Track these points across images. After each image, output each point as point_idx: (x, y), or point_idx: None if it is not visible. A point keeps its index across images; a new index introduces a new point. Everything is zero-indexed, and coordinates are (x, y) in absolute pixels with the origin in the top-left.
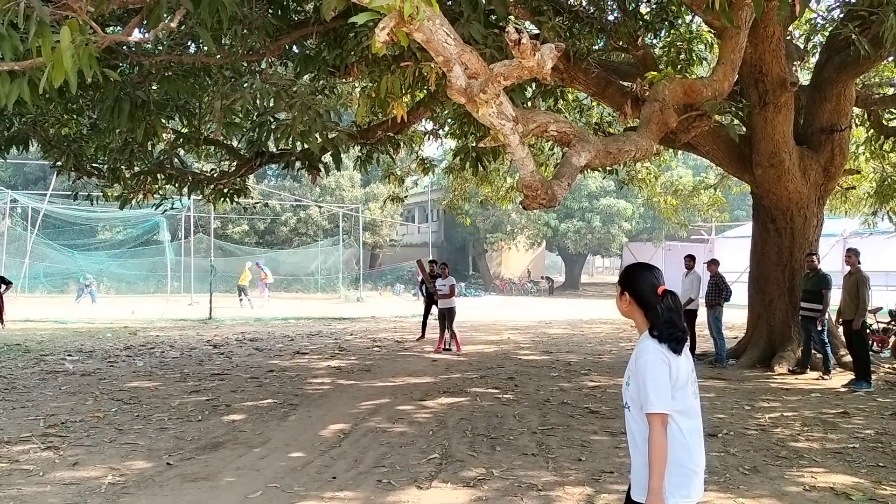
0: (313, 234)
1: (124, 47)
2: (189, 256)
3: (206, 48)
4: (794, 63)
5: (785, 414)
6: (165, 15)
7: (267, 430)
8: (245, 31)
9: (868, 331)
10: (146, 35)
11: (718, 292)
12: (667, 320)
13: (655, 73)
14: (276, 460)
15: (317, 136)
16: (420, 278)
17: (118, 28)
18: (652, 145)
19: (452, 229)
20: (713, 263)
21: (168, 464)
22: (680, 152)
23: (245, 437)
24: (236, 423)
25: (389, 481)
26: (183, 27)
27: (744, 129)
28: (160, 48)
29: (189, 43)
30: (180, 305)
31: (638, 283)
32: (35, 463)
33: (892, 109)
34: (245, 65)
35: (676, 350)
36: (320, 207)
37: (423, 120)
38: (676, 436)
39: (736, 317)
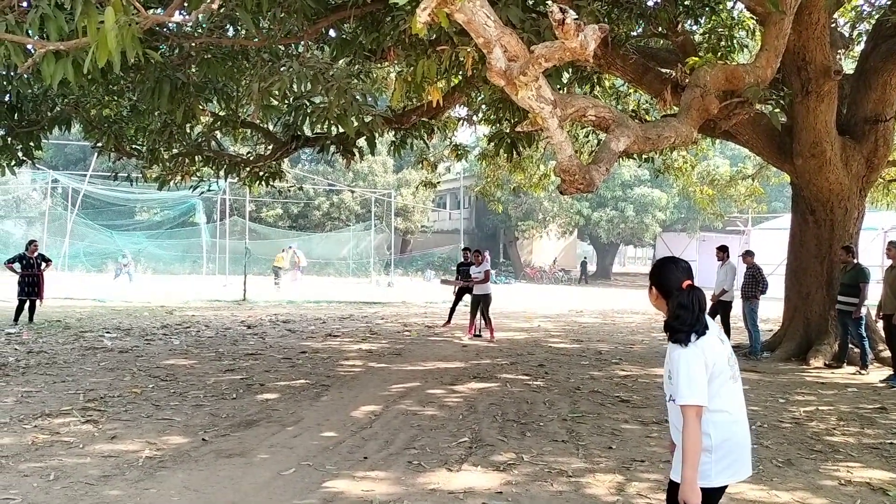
0: (346, 219)
1: (165, 29)
2: (224, 238)
3: (244, 31)
4: (839, 51)
5: (820, 408)
6: None
7: (300, 409)
8: (283, 14)
9: None
10: (188, 17)
11: (755, 284)
12: (674, 315)
13: (696, 58)
14: (308, 439)
15: (353, 119)
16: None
17: (159, 10)
18: (692, 132)
19: (484, 216)
20: (748, 255)
21: (203, 440)
22: (717, 141)
23: (278, 415)
24: (270, 402)
25: (420, 463)
26: (223, 9)
27: (785, 117)
28: (200, 30)
29: (227, 26)
30: (214, 286)
31: (664, 278)
32: (75, 435)
33: None
34: (282, 48)
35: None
36: (353, 192)
37: (458, 105)
38: (719, 421)
39: (771, 309)
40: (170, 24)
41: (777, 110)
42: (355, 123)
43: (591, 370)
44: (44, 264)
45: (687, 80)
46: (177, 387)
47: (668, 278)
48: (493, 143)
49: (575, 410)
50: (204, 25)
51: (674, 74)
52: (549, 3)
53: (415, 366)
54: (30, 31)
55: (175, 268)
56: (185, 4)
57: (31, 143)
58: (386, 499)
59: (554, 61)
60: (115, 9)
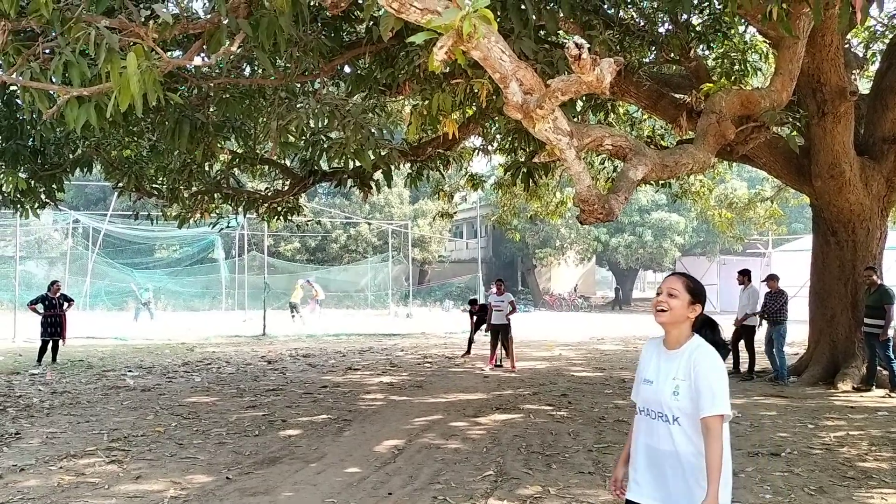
0: (363, 251)
1: (184, 70)
2: (243, 274)
3: (261, 70)
4: (853, 72)
5: (851, 433)
6: (226, 39)
7: (322, 445)
8: (300, 53)
9: None
10: (209, 59)
11: (782, 308)
12: (711, 324)
13: (711, 84)
14: (332, 475)
15: (370, 154)
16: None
17: (178, 53)
18: (709, 158)
19: (501, 245)
20: (772, 279)
21: (227, 478)
22: (735, 165)
23: (301, 452)
24: (292, 439)
25: (445, 498)
26: (240, 50)
27: (802, 140)
28: (217, 71)
29: (244, 66)
30: (234, 322)
31: (706, 299)
32: (100, 476)
33: None
34: (299, 85)
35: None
36: (370, 224)
37: (473, 136)
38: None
39: (796, 333)
40: (189, 66)
41: (794, 133)
42: (372, 157)
43: (615, 399)
44: (66, 304)
45: (702, 106)
46: (199, 425)
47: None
48: (509, 173)
49: (600, 441)
50: (221, 66)
51: (688, 100)
52: (565, 38)
53: (436, 398)
54: (53, 78)
55: (195, 304)
56: (205, 48)
57: (54, 186)
58: None
59: (570, 94)
60: (137, 54)
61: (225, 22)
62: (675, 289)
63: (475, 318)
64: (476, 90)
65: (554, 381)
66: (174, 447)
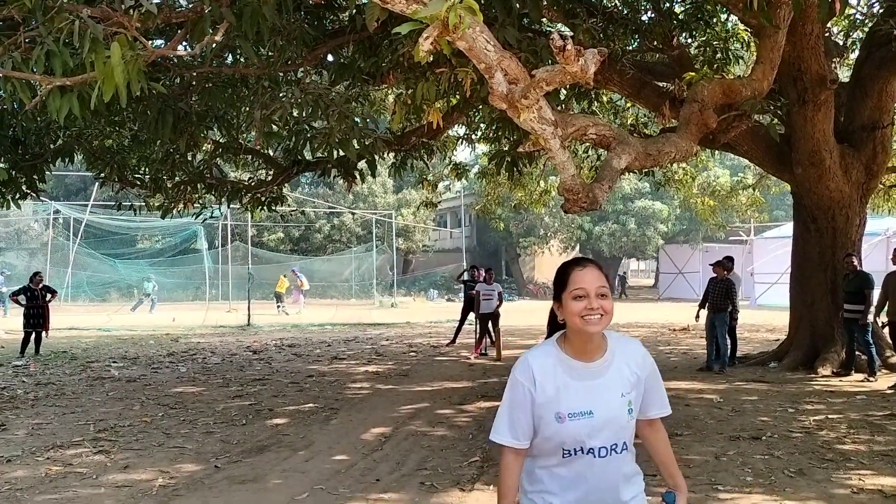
0: (347, 241)
1: (167, 60)
2: (226, 264)
3: (243, 59)
4: (833, 60)
5: (830, 416)
6: (209, 28)
7: (310, 433)
8: (283, 42)
9: None
10: (196, 49)
11: (725, 295)
12: None
13: (693, 73)
14: (320, 463)
15: (354, 143)
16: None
17: (160, 42)
18: (692, 146)
19: (485, 234)
20: (717, 265)
21: (216, 466)
22: (717, 152)
23: (289, 440)
24: (280, 427)
25: (433, 484)
26: (222, 39)
27: (783, 128)
28: (199, 60)
29: (227, 55)
30: (219, 312)
31: None
32: (88, 466)
33: None
34: (282, 75)
35: None
36: (353, 214)
37: (456, 125)
38: None
39: (775, 319)
40: (172, 56)
41: (776, 122)
42: (357, 147)
43: None
44: (49, 296)
45: (685, 95)
46: (186, 414)
47: None
48: (493, 162)
49: None
50: (204, 55)
51: (672, 89)
52: (549, 27)
53: (422, 386)
54: (34, 68)
55: (178, 295)
56: (189, 37)
57: (35, 176)
58: None
59: (555, 84)
60: (121, 44)
61: (208, 10)
62: (605, 286)
63: (464, 304)
64: (461, 79)
65: None
66: (161, 437)
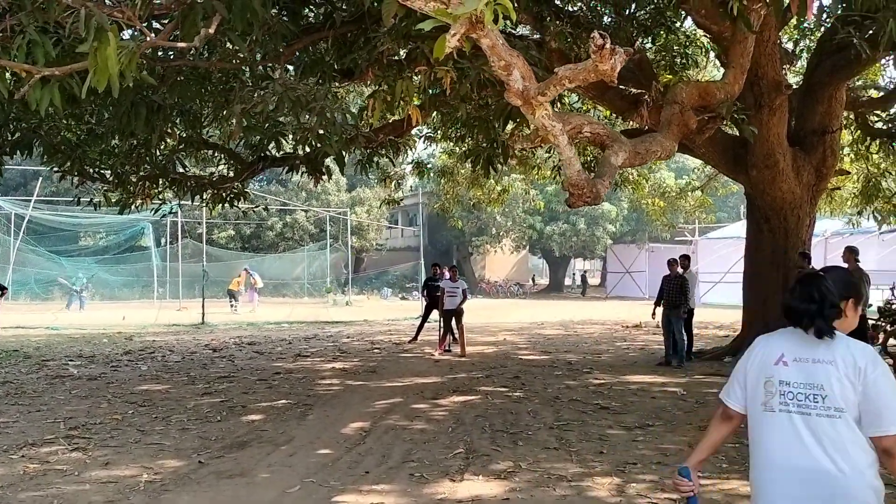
0: (299, 239)
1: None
2: (176, 262)
3: (217, 54)
4: (784, 67)
5: None
6: (200, 21)
7: (288, 429)
8: (264, 36)
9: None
10: (195, 42)
11: (679, 291)
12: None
13: (670, 76)
14: (305, 457)
15: (334, 139)
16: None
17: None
18: (674, 146)
19: (437, 233)
20: (671, 263)
21: (200, 462)
22: None
23: (269, 435)
24: (256, 423)
25: (422, 475)
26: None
27: (755, 130)
28: (171, 53)
29: (203, 48)
30: (169, 311)
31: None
32: (66, 463)
33: (878, 112)
34: (260, 69)
35: (818, 334)
36: (306, 212)
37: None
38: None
39: (721, 317)
40: (163, 48)
41: (752, 127)
42: (338, 143)
43: (565, 380)
44: None
45: (659, 98)
46: (157, 412)
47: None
48: (470, 160)
49: (559, 419)
50: (196, 48)
51: (636, 92)
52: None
53: (392, 382)
54: (16, 57)
55: (124, 293)
56: (178, 31)
57: None
58: None
59: (577, 82)
60: (114, 33)
61: (200, 1)
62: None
63: (427, 301)
64: (440, 77)
65: (504, 364)
66: (136, 434)
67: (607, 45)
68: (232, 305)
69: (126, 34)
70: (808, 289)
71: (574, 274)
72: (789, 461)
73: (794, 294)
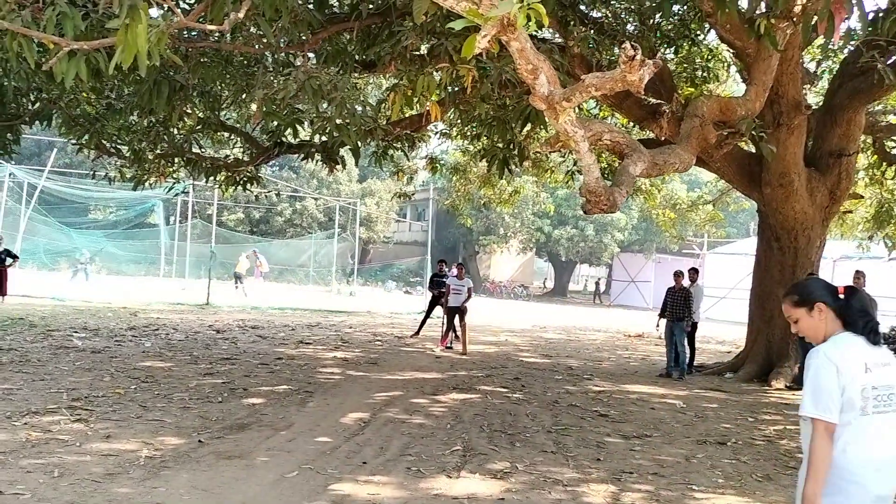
0: (307, 226)
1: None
2: (184, 241)
3: (241, 37)
4: (804, 87)
5: (788, 427)
6: (230, 4)
7: (288, 414)
8: (290, 24)
9: None
10: (225, 26)
11: (683, 305)
12: (860, 310)
13: (692, 89)
14: (304, 443)
15: (354, 130)
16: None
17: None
18: (692, 159)
19: (444, 229)
20: (676, 276)
21: (200, 441)
22: None
23: (268, 420)
24: (257, 407)
25: (419, 469)
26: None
27: (774, 149)
28: (195, 33)
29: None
30: (173, 289)
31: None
32: (69, 434)
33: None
34: (283, 56)
35: (875, 341)
36: (316, 200)
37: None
38: (838, 455)
39: (723, 332)
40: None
41: (771, 146)
42: (358, 133)
43: (565, 385)
44: (9, 260)
45: (680, 110)
46: (159, 389)
47: (827, 291)
48: (486, 160)
49: (558, 423)
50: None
51: (671, 104)
52: (625, 42)
53: (393, 375)
54: (46, 29)
55: (130, 268)
56: (206, 13)
57: (10, 136)
58: (394, 502)
59: (604, 90)
60: (144, 11)
61: None
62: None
63: (431, 297)
64: (462, 75)
65: (504, 364)
66: (138, 409)
67: (637, 57)
68: (237, 287)
69: (154, 13)
70: (866, 300)
71: (586, 280)
72: (890, 453)
73: (864, 303)
